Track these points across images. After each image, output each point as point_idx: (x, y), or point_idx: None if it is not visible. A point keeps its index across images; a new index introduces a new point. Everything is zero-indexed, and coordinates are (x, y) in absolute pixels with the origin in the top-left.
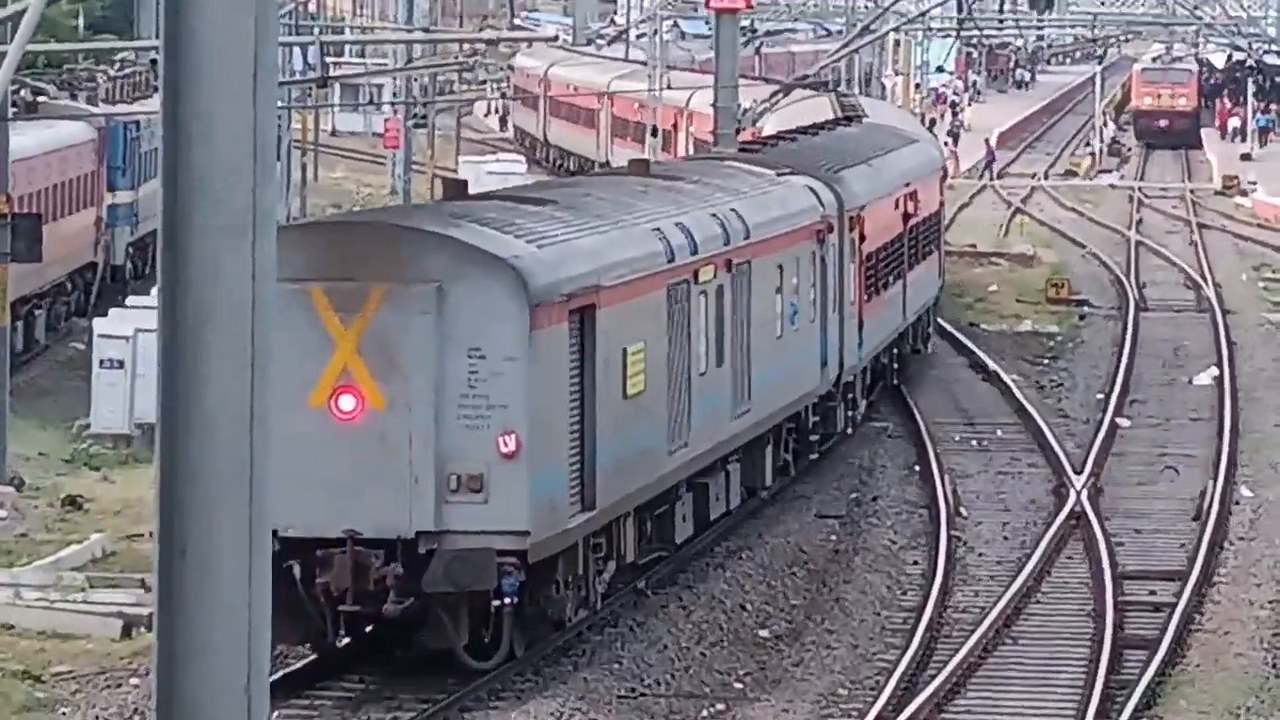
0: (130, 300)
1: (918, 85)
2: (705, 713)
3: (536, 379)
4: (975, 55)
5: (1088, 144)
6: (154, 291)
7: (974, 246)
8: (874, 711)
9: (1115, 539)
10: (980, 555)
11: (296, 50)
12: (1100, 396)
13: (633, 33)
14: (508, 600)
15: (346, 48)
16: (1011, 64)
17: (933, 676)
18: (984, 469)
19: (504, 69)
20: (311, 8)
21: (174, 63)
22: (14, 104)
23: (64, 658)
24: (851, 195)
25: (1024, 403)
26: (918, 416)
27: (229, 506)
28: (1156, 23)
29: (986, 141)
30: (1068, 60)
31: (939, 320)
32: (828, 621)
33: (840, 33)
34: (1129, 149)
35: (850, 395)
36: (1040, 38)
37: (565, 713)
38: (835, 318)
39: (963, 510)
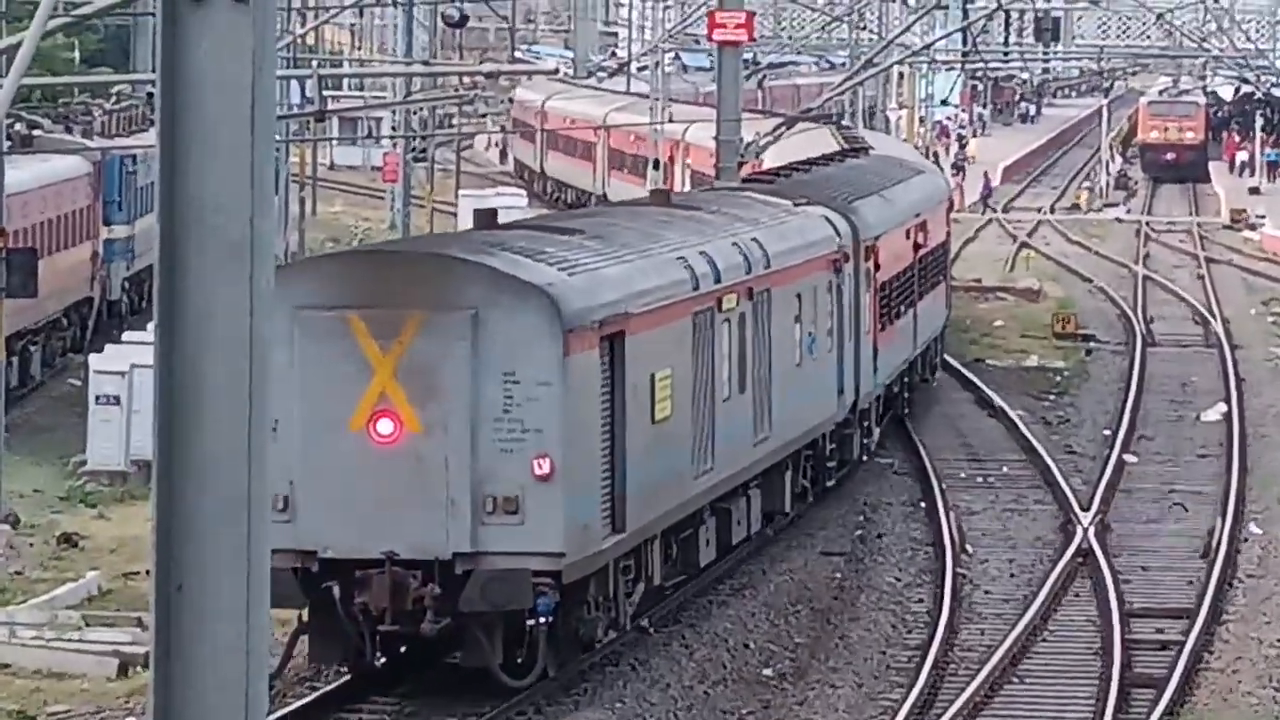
0: (126, 335)
1: (922, 118)
2: None
3: (570, 403)
4: (980, 88)
5: (1088, 178)
6: (150, 327)
7: (979, 281)
8: None
9: (1122, 577)
10: (986, 593)
11: (294, 83)
12: (1107, 432)
13: (634, 66)
14: (543, 620)
15: (345, 81)
16: (1017, 97)
17: (938, 716)
18: (990, 506)
19: (504, 102)
20: (310, 40)
21: (171, 95)
22: (9, 138)
23: (60, 697)
24: (866, 225)
25: (1030, 439)
26: (923, 453)
27: (226, 543)
28: (1164, 55)
29: (985, 174)
30: (1074, 93)
31: (945, 356)
32: (832, 660)
33: (844, 65)
34: (1136, 182)
35: (865, 423)
36: (1046, 70)
37: None
38: (851, 346)
39: (968, 547)
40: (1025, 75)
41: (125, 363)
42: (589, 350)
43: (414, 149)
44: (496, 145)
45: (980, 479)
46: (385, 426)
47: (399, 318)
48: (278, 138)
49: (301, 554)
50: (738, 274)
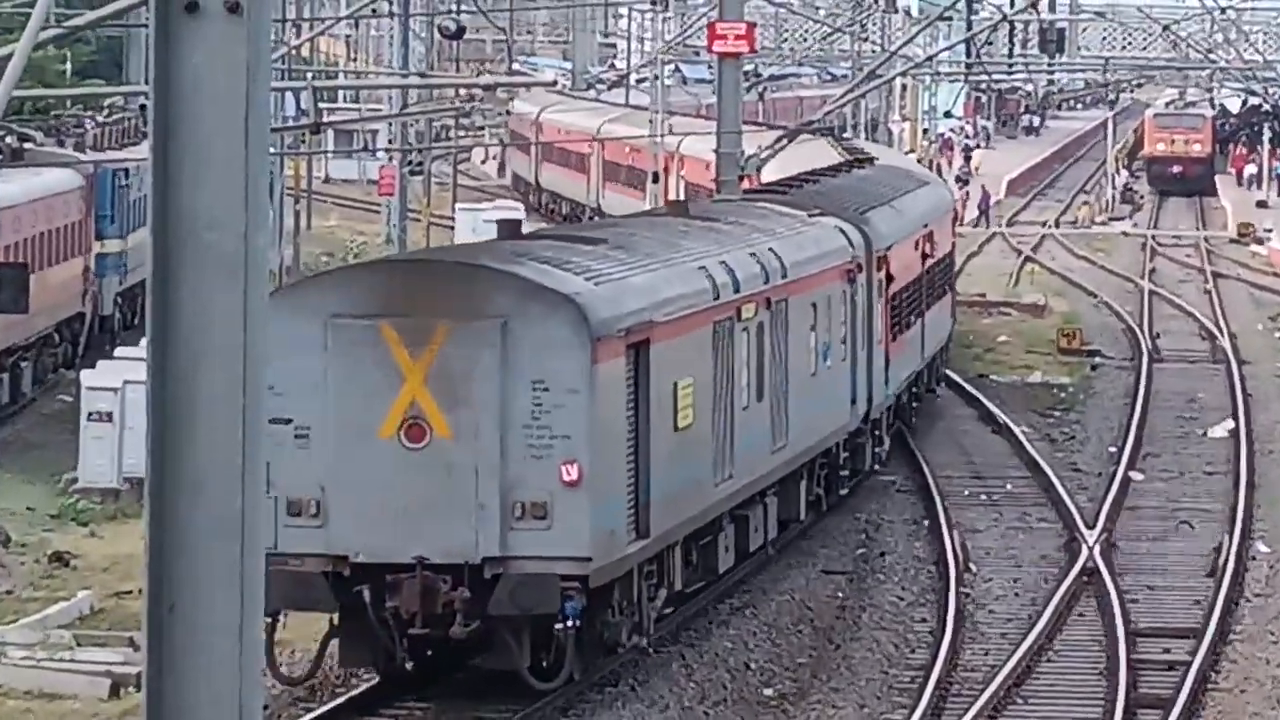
0: (119, 351)
1: (925, 131)
2: None
3: (597, 410)
4: (984, 100)
5: (1086, 191)
6: (143, 343)
7: (983, 296)
8: None
9: (1128, 595)
10: (990, 612)
11: (289, 95)
12: (1113, 449)
13: (633, 78)
14: (570, 623)
15: (340, 93)
16: (1021, 109)
17: None
18: (994, 524)
19: (501, 115)
20: (305, 52)
21: (164, 107)
22: (0, 150)
23: (51, 718)
24: (879, 236)
25: (1035, 456)
26: (926, 470)
27: (220, 562)
28: (1170, 67)
29: (983, 186)
30: (1079, 105)
31: (949, 371)
32: (834, 680)
33: (846, 77)
34: (1142, 196)
35: (877, 433)
36: (1051, 82)
37: None
38: (864, 355)
39: (972, 566)
40: (1030, 87)
41: (118, 379)
42: (615, 358)
43: (410, 162)
44: (494, 158)
45: (984, 496)
46: (416, 433)
47: (430, 326)
48: (272, 150)
49: (333, 558)
50: (756, 284)
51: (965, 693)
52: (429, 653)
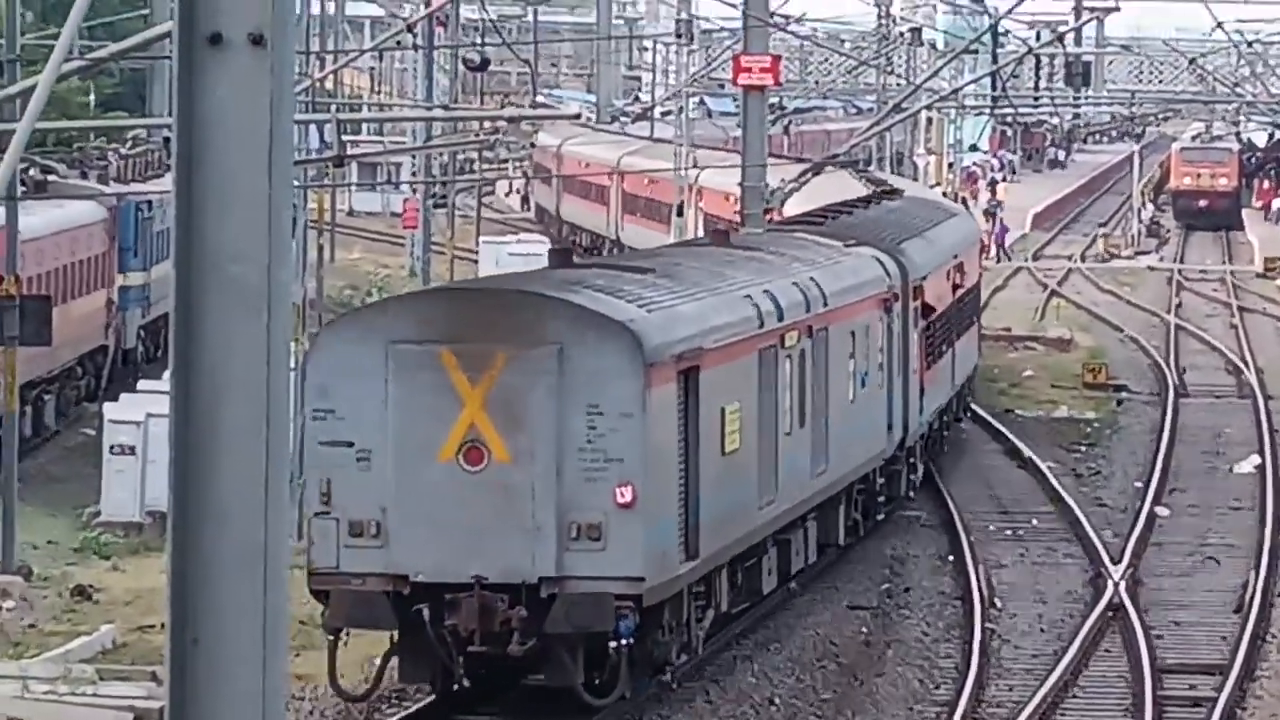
0: (142, 384)
1: (950, 164)
2: None
3: (650, 434)
4: (1010, 133)
5: (1104, 225)
6: (166, 376)
7: (1009, 330)
8: None
9: (1154, 631)
10: (1016, 648)
11: (313, 128)
12: (1139, 484)
13: (657, 110)
14: (624, 642)
15: (364, 125)
16: (1047, 142)
17: None
18: (1019, 559)
19: (525, 147)
20: (328, 84)
21: (187, 140)
22: (23, 183)
23: None
24: (914, 266)
25: (1060, 491)
26: (951, 505)
27: (243, 596)
28: (1196, 100)
29: (999, 218)
30: (1105, 139)
31: (974, 406)
32: (859, 716)
33: (871, 110)
34: (1168, 230)
35: (911, 459)
36: (1076, 116)
37: None
38: (900, 383)
39: (997, 601)
40: (1055, 121)
41: (140, 412)
42: (668, 384)
43: (434, 195)
44: (518, 191)
45: (1009, 531)
46: (475, 456)
47: (488, 352)
48: (296, 183)
49: (393, 578)
50: (799, 312)
51: None
52: (485, 670)
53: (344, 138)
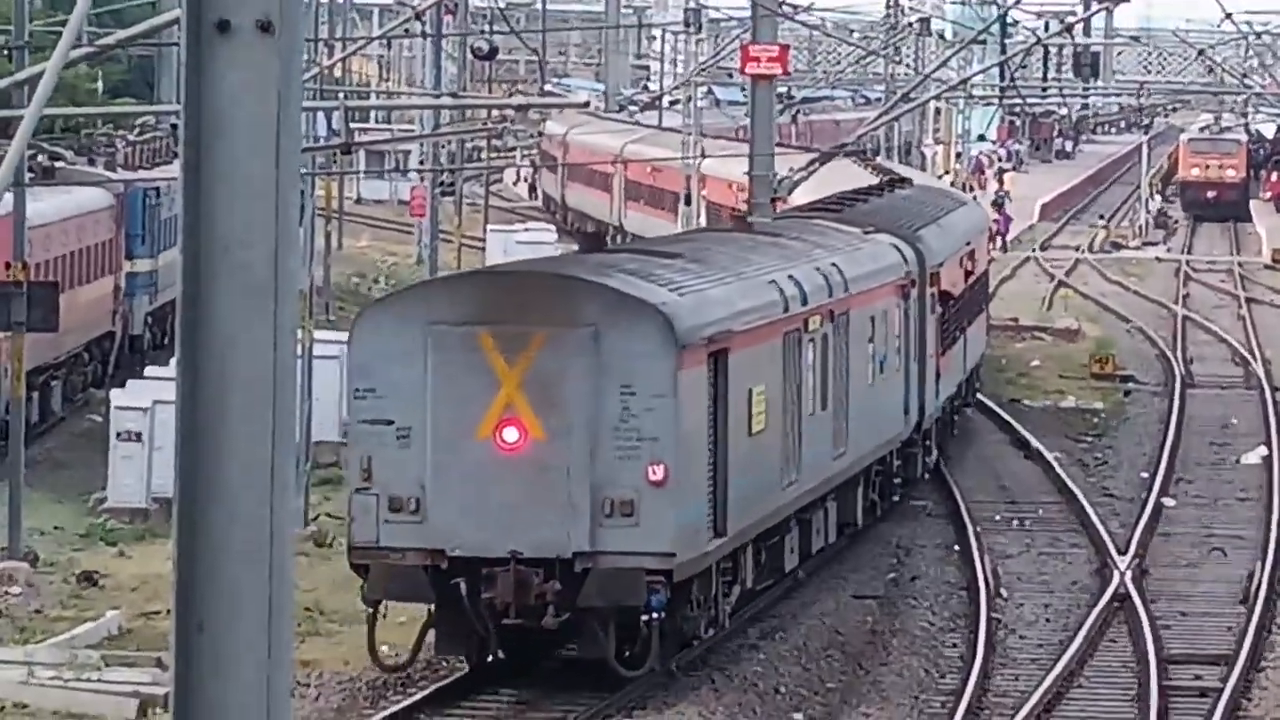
0: (148, 371)
1: (959, 154)
2: None
3: (682, 414)
4: (1018, 124)
5: (1101, 216)
6: (173, 362)
7: (1016, 320)
8: None
9: (1160, 622)
10: (1021, 638)
11: (321, 116)
12: (1145, 475)
13: (666, 99)
14: (655, 615)
15: (372, 113)
16: (1055, 133)
17: None
18: (1025, 549)
19: (534, 136)
20: (336, 72)
21: (195, 127)
22: (31, 169)
23: None
24: (931, 253)
25: (1067, 481)
26: (957, 495)
27: (249, 582)
28: (1204, 91)
29: (999, 207)
30: (1113, 129)
31: (981, 396)
32: (864, 705)
33: (879, 100)
34: (1176, 221)
35: (927, 442)
36: (1085, 106)
37: None
38: (916, 368)
39: (1003, 591)
40: (1064, 111)
41: (147, 399)
42: (699, 366)
43: (442, 183)
44: (525, 180)
45: (1016, 521)
46: (511, 434)
47: (525, 334)
48: (303, 170)
49: (432, 552)
50: (821, 297)
51: (996, 718)
52: (519, 643)
53: (352, 125)
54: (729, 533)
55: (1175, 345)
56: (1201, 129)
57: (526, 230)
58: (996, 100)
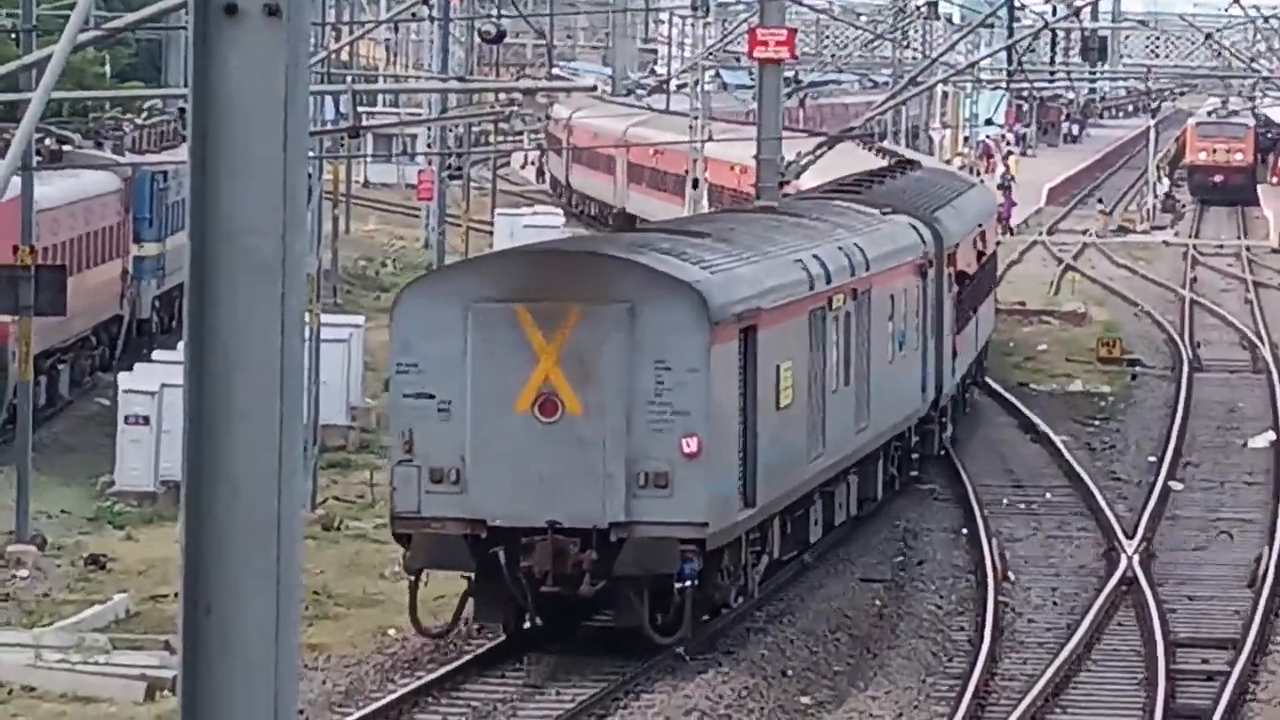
0: (156, 355)
1: (966, 138)
2: None
3: (714, 389)
4: (1025, 108)
5: (1100, 201)
6: (180, 346)
7: (1023, 304)
8: None
9: (1167, 605)
10: (1029, 621)
11: (328, 99)
12: (1153, 459)
13: (673, 83)
14: (688, 583)
15: (380, 97)
16: (1063, 116)
17: None
18: (1033, 533)
19: (541, 120)
20: (344, 56)
21: (202, 110)
22: (38, 153)
23: None
24: (948, 233)
25: (1074, 465)
26: (965, 478)
27: (256, 565)
28: (1212, 75)
29: (1002, 190)
30: (1120, 113)
31: (988, 379)
32: (871, 689)
33: (887, 84)
34: (1183, 205)
35: (944, 419)
36: (1092, 90)
37: None
38: (934, 346)
39: (1011, 575)
40: (1071, 95)
41: (155, 382)
42: (730, 341)
43: (449, 166)
44: (533, 164)
45: (1023, 505)
46: (549, 408)
47: (562, 310)
48: (311, 154)
49: (472, 522)
50: (844, 275)
51: (1003, 702)
52: (555, 611)
53: (359, 109)
54: (758, 504)
55: (1182, 329)
56: (1209, 113)
57: (534, 214)
58: (1004, 84)
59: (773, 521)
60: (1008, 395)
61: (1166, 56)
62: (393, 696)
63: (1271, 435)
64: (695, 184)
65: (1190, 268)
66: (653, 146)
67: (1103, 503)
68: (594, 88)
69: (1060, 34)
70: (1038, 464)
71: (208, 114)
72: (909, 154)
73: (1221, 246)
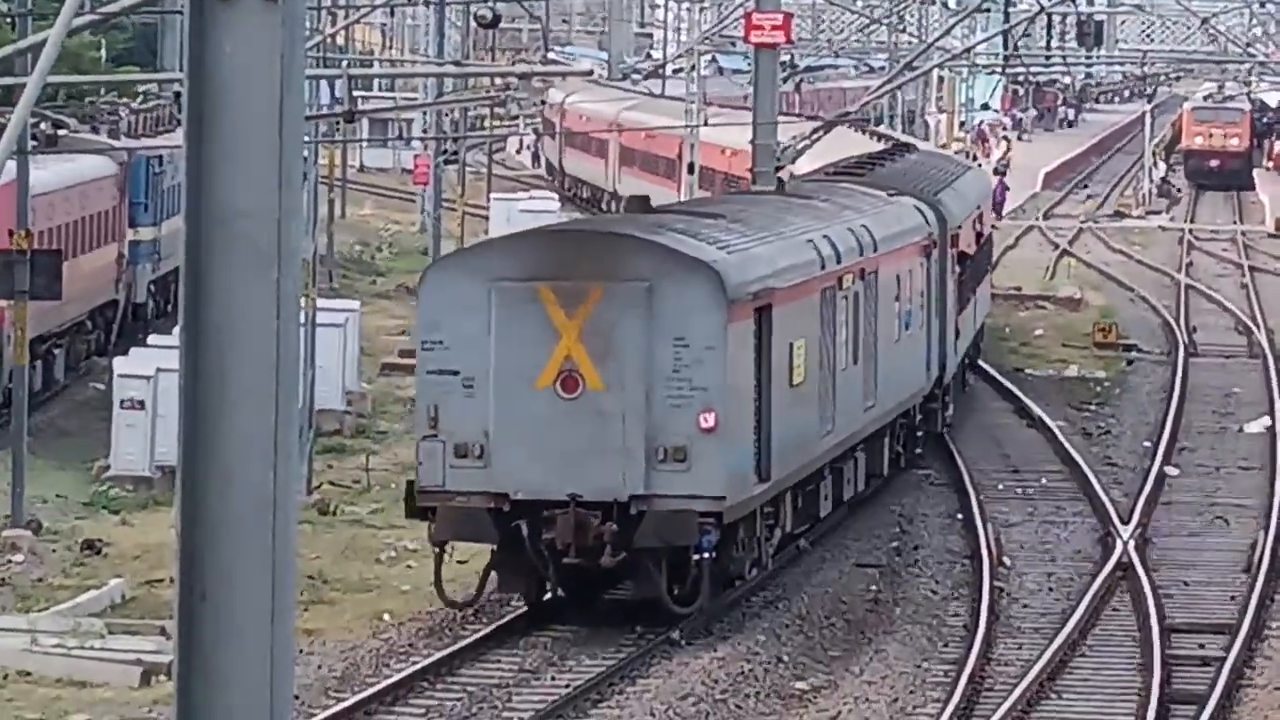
0: (152, 339)
1: (962, 123)
2: None
3: (731, 365)
4: (1021, 92)
5: (1085, 186)
6: (176, 330)
7: (1019, 289)
8: None
9: (1163, 591)
10: (1024, 607)
11: (324, 84)
12: (1148, 444)
13: (669, 68)
14: (706, 555)
15: (375, 81)
16: (1059, 101)
17: None
18: (1028, 518)
19: (537, 104)
20: (340, 40)
21: (198, 95)
22: (34, 137)
23: (81, 706)
24: (951, 215)
25: (1070, 450)
26: (960, 464)
27: (251, 550)
28: (1208, 60)
29: (997, 174)
30: (1116, 98)
31: (983, 364)
32: (867, 674)
33: (883, 69)
34: (1179, 190)
35: (947, 398)
36: (1088, 75)
37: None
38: (938, 325)
39: (1006, 560)
40: (1067, 80)
41: (150, 367)
42: (745, 319)
43: (445, 151)
44: (528, 148)
45: (1019, 490)
46: (570, 384)
47: (583, 289)
48: (306, 139)
49: (495, 496)
50: (853, 256)
51: (999, 687)
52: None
53: (355, 93)
54: (772, 478)
55: (1178, 314)
56: (1205, 98)
57: (530, 199)
58: (1000, 69)
59: (785, 496)
60: (1003, 380)
61: (1162, 41)
62: (388, 681)
63: (1267, 421)
64: (691, 169)
65: (1186, 253)
66: (645, 130)
67: (1098, 488)
68: (590, 72)
69: (1056, 18)
70: (1033, 449)
71: (203, 98)
72: (903, 138)
73: (1217, 231)
